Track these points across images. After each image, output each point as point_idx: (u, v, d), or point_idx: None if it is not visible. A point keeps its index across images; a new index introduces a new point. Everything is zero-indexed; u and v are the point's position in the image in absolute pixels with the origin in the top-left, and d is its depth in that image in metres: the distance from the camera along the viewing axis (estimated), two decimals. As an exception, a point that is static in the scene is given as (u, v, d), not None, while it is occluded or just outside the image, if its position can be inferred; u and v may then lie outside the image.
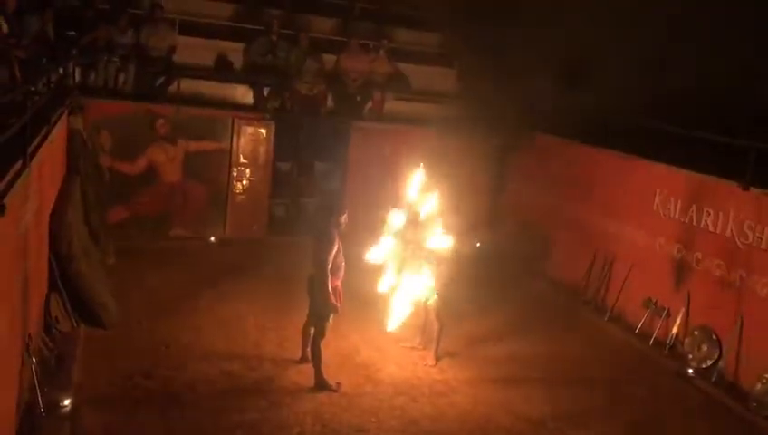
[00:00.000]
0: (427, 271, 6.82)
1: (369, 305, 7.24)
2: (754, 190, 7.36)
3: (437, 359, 7.04)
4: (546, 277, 9.94)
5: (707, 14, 9.38)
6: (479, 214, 8.41)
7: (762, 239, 7.22)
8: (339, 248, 6.14)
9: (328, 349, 6.86)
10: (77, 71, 9.21)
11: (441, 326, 7.01)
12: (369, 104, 11.16)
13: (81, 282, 6.90)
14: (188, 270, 8.74)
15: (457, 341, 7.38)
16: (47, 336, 6.26)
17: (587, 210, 9.70)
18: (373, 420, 5.92)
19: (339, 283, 6.21)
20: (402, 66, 11.41)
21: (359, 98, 11.09)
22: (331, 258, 6.01)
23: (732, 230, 7.55)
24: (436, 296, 6.94)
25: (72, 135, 8.30)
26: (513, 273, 9.70)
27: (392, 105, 11.27)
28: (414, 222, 6.90)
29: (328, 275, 6.03)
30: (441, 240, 6.87)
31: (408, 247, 6.85)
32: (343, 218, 6.20)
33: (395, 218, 6.93)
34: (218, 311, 7.67)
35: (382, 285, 6.92)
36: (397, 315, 6.99)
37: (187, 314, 7.50)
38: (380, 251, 6.87)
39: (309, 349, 6.43)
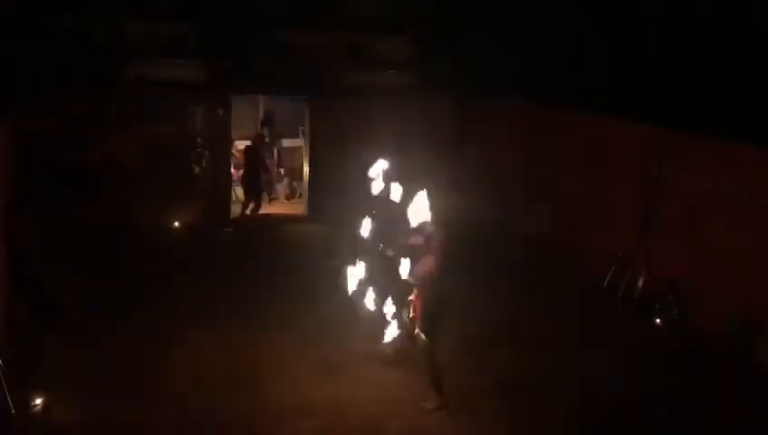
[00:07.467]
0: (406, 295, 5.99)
1: (331, 324, 7.01)
2: (709, 140, 7.47)
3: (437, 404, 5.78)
4: (514, 237, 9.97)
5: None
6: (442, 182, 8.18)
7: (721, 187, 7.35)
8: None
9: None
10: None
11: (432, 367, 5.77)
12: (327, 78, 11.00)
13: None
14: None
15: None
16: (10, 336, 6.12)
17: (548, 168, 9.78)
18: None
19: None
20: (356, 36, 11.23)
21: (316, 72, 10.92)
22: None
23: (692, 180, 7.67)
24: (422, 335, 5.74)
25: None
26: (483, 235, 9.75)
27: (349, 77, 11.10)
28: (387, 230, 6.30)
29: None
30: (418, 266, 5.70)
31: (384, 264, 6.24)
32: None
33: (367, 227, 6.40)
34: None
35: (368, 303, 6.40)
36: (389, 331, 6.29)
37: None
38: (359, 271, 6.38)
39: None
